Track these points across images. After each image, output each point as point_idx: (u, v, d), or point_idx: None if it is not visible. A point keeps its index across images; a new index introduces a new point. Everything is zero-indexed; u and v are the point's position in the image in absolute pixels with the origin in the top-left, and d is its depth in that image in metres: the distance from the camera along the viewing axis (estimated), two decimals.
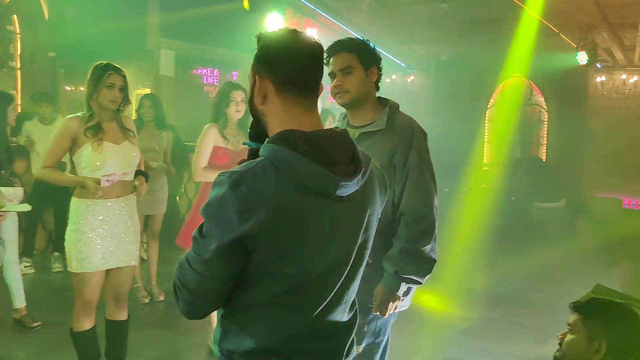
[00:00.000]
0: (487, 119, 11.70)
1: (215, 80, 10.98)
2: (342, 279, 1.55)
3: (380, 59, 2.49)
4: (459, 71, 10.81)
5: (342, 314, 1.60)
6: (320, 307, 1.52)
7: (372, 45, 2.46)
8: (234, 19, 7.52)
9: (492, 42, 8.92)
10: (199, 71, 10.73)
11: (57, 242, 6.28)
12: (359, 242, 1.56)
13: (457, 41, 9.70)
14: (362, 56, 2.40)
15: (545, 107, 11.41)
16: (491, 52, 9.19)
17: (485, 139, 11.73)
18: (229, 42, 7.90)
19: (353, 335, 1.65)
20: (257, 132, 1.58)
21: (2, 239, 4.47)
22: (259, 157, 1.48)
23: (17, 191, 3.36)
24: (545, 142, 11.48)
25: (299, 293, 1.48)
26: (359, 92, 2.42)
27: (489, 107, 11.68)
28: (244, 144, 1.75)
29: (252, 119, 1.61)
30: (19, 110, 7.81)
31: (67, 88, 9.86)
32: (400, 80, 12.13)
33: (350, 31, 9.34)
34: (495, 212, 7.87)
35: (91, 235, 3.25)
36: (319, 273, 1.49)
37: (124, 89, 3.33)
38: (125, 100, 3.35)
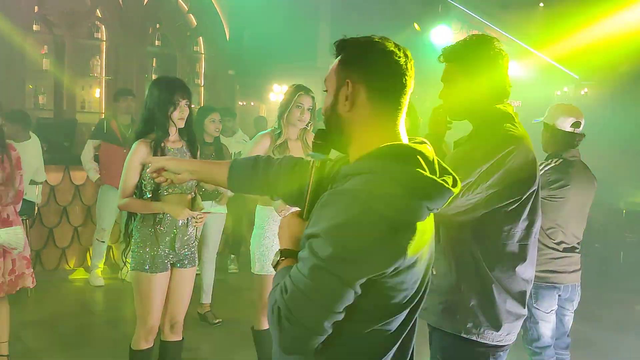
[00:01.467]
0: None
1: None
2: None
3: None
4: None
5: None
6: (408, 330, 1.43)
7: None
8: (400, 33, 7.64)
9: None
10: None
11: (233, 246, 6.77)
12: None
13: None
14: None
15: None
16: None
17: None
18: None
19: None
20: (324, 143, 1.46)
21: (207, 238, 4.97)
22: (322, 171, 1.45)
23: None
24: None
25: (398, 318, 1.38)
26: None
27: None
28: (308, 155, 1.64)
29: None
30: None
31: (240, 103, 10.59)
32: (572, 92, 11.43)
33: (520, 42, 9.03)
34: None
35: (274, 241, 3.46)
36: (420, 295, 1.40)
37: (312, 109, 3.53)
38: (313, 120, 3.56)
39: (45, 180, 5.77)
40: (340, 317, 1.30)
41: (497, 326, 2.07)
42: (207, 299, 5.02)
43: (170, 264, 3.20)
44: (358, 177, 1.33)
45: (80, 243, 6.21)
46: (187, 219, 3.20)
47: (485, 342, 2.07)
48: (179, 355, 3.42)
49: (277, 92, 9.68)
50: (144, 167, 3.07)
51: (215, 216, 4.97)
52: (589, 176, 3.39)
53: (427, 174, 1.32)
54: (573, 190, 3.27)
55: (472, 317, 2.06)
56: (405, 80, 1.41)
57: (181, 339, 3.38)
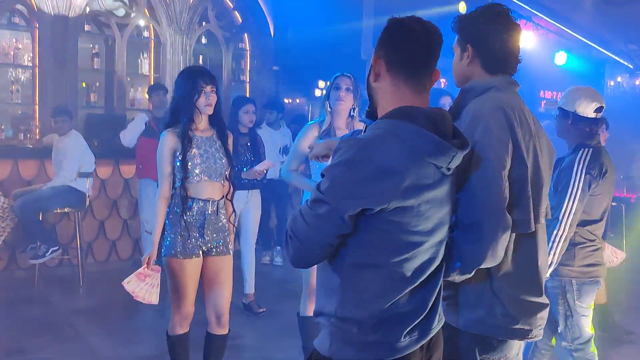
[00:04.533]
0: None
1: None
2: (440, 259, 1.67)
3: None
4: None
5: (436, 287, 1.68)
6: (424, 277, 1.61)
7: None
8: (448, 23, 7.51)
9: None
10: None
11: (279, 237, 6.82)
12: (450, 220, 1.69)
13: None
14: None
15: None
16: None
17: None
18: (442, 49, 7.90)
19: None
20: (372, 110, 1.70)
21: (245, 228, 5.00)
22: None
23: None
24: None
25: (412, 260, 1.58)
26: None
27: None
28: (360, 120, 1.94)
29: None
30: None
31: (286, 100, 10.65)
32: (627, 82, 11.04)
33: (570, 31, 8.77)
34: None
35: None
36: (433, 243, 1.61)
37: (354, 91, 3.48)
38: (357, 105, 3.51)
39: (96, 174, 5.96)
40: (333, 241, 1.56)
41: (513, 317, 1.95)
42: (249, 288, 5.07)
43: (202, 251, 3.22)
44: (367, 132, 1.61)
45: (130, 235, 6.38)
46: (217, 206, 3.20)
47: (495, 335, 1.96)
48: (223, 349, 3.42)
49: (322, 88, 9.69)
50: (174, 155, 3.13)
51: (251, 205, 5.01)
52: (612, 163, 3.14)
53: (430, 132, 1.52)
54: (609, 180, 3.07)
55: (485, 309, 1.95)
56: (424, 53, 1.63)
57: (227, 332, 3.37)
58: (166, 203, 3.18)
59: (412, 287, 1.59)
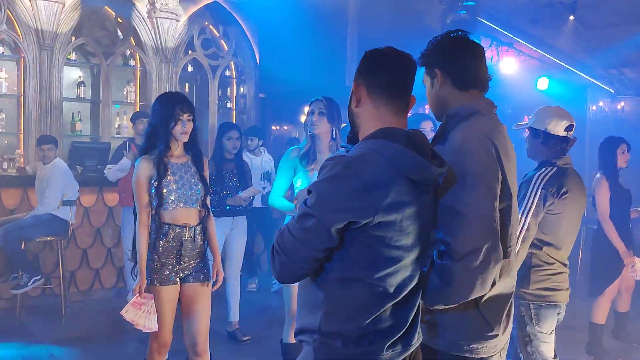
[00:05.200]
0: None
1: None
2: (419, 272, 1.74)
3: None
4: None
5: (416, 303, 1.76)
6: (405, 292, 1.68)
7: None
8: None
9: None
10: None
11: (251, 266, 6.79)
12: (429, 238, 1.75)
13: None
14: None
15: None
16: None
17: None
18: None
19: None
20: (354, 135, 1.78)
21: (230, 255, 4.98)
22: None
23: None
24: None
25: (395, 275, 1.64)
26: None
27: None
28: (341, 146, 1.95)
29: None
30: None
31: (273, 127, 10.69)
32: (609, 107, 11.19)
33: (552, 57, 8.92)
34: None
35: None
36: (412, 260, 1.67)
37: (328, 114, 3.53)
38: (336, 126, 3.55)
39: (80, 202, 5.93)
40: (320, 255, 1.62)
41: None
42: (234, 316, 5.02)
43: (180, 278, 3.20)
44: (352, 151, 1.68)
45: (114, 264, 6.33)
46: (194, 232, 3.19)
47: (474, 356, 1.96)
48: None
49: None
50: (150, 183, 3.13)
51: (237, 232, 4.99)
52: (583, 186, 3.08)
53: (403, 146, 1.61)
54: (570, 202, 2.97)
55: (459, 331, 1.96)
56: (401, 76, 1.73)
57: None
58: (147, 230, 3.17)
59: (394, 302, 1.65)
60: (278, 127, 10.93)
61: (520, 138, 3.35)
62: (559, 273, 3.03)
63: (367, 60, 1.76)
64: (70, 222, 5.61)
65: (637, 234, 5.67)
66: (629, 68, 9.84)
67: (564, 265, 3.07)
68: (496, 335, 1.97)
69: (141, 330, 3.19)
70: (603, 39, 8.39)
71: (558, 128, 3.02)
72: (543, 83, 8.84)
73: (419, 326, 1.78)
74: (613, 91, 10.86)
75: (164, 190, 3.12)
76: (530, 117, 3.24)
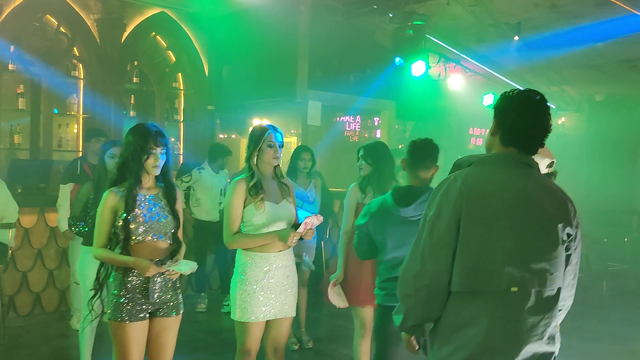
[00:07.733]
0: None
1: (357, 127, 11.19)
2: None
3: None
4: (615, 112, 10.14)
5: None
6: None
7: None
8: (379, 70, 7.72)
9: None
10: (342, 119, 11.00)
11: (200, 284, 6.65)
12: None
13: (613, 80, 9.12)
14: None
15: None
16: None
17: None
18: (374, 91, 8.06)
19: None
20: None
21: None
22: None
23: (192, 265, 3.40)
24: None
25: None
26: None
27: None
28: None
29: None
30: (181, 160, 8.51)
31: (221, 136, 10.56)
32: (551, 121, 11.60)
33: (497, 75, 9.15)
34: None
35: (255, 287, 3.39)
36: None
37: (282, 146, 3.49)
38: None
39: (20, 224, 5.65)
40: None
41: None
42: None
43: (149, 313, 3.10)
44: None
45: (56, 287, 6.06)
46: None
47: None
48: None
49: None
50: (115, 216, 3.02)
51: None
52: None
53: None
54: None
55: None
56: None
57: None
58: (107, 249, 3.06)
59: None
60: (225, 136, 10.81)
61: None
62: None
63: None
64: (10, 245, 5.33)
65: None
66: (569, 85, 10.24)
67: None
68: None
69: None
70: (544, 59, 8.68)
71: (541, 166, 3.17)
72: (488, 99, 9.07)
73: None
74: (554, 107, 11.28)
75: (131, 225, 3.00)
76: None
